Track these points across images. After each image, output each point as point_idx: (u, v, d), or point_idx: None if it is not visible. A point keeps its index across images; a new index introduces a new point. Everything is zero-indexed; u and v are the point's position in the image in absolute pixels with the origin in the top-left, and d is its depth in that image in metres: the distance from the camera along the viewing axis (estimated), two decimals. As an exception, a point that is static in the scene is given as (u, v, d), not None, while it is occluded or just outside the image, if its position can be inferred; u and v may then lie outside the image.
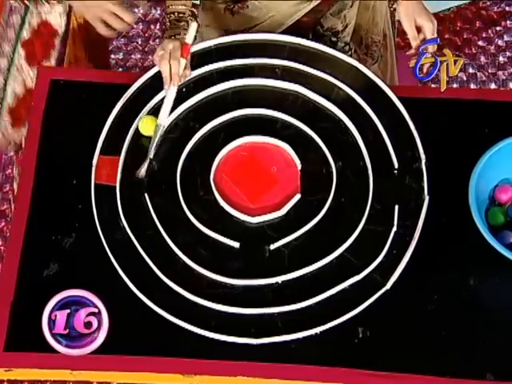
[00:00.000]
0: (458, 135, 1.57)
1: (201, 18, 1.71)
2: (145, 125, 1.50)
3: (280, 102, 1.55)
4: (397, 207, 1.44)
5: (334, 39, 1.71)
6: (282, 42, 1.59)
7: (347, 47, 1.74)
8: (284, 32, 1.64)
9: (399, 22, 1.57)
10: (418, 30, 1.53)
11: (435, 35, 1.51)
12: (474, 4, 2.66)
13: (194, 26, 1.50)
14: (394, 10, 1.57)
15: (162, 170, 1.49)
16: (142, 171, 1.47)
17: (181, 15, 1.52)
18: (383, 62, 1.82)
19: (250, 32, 1.64)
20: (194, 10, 1.54)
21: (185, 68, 1.49)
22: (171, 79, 1.48)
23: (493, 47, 2.61)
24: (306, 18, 1.64)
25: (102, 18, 1.54)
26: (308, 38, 1.61)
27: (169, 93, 1.50)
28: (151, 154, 1.48)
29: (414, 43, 1.53)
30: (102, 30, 1.57)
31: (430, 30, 1.51)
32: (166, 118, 1.50)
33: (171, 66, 1.47)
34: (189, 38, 1.50)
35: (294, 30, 1.64)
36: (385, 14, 1.75)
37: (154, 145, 1.48)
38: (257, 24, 1.64)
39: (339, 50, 1.60)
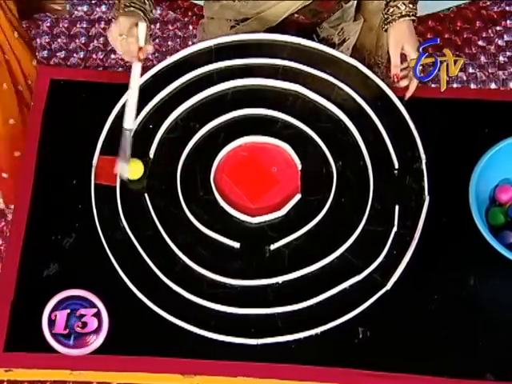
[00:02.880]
0: (458, 135, 1.57)
1: (206, 10, 1.72)
2: (131, 168, 1.45)
3: (280, 102, 1.54)
4: (397, 207, 1.44)
5: None
6: (281, 41, 1.59)
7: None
8: (282, 30, 1.62)
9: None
10: (404, 56, 1.51)
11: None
12: (474, 4, 2.66)
13: (142, 26, 1.40)
14: (386, 31, 1.54)
15: (162, 170, 1.48)
16: (122, 174, 1.44)
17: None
18: None
19: (252, 19, 1.62)
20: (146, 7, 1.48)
21: (145, 42, 1.41)
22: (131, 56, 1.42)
23: (493, 47, 2.61)
24: (303, 16, 1.63)
25: None
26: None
27: (131, 93, 1.43)
28: (122, 160, 1.43)
29: (393, 71, 1.50)
30: None
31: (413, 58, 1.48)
32: (132, 121, 1.43)
33: (129, 45, 1.40)
34: (141, 38, 1.40)
35: (292, 30, 1.63)
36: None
37: (124, 152, 1.42)
38: (258, 12, 1.62)
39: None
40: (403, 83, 1.51)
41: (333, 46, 1.67)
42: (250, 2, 1.61)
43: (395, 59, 1.50)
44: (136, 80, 1.43)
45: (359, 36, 1.72)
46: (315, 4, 1.60)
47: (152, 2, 1.50)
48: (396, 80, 1.50)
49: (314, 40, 1.64)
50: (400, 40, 1.50)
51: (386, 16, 1.53)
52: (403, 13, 1.51)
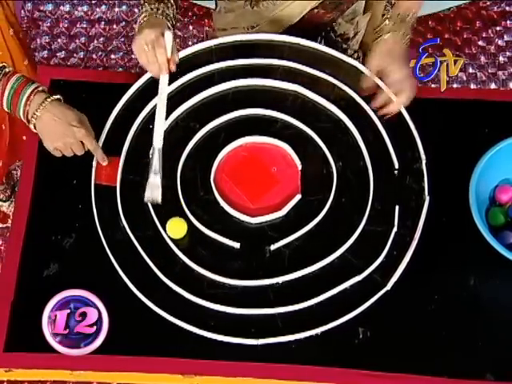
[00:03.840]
0: (458, 135, 1.57)
1: (216, 21, 1.71)
2: (173, 227, 1.42)
3: (280, 102, 1.54)
4: (397, 207, 1.44)
5: (344, 46, 1.69)
6: (281, 41, 1.59)
7: (356, 55, 1.72)
8: (300, 28, 1.59)
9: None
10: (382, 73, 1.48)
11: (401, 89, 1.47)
12: (474, 4, 2.66)
13: (169, 36, 1.36)
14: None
15: (162, 170, 1.48)
16: (149, 195, 1.41)
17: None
18: None
19: (266, 23, 1.61)
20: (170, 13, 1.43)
21: (172, 52, 1.38)
22: (160, 68, 1.37)
23: (493, 47, 2.61)
24: (324, 10, 1.60)
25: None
26: (320, 42, 1.59)
27: (159, 110, 1.40)
28: (151, 177, 1.41)
29: (365, 84, 1.49)
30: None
31: (395, 82, 1.46)
32: (161, 139, 1.41)
33: (157, 55, 1.35)
34: (168, 48, 1.36)
35: (310, 28, 1.60)
36: None
37: (154, 169, 1.41)
38: (274, 14, 1.60)
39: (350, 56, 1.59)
40: (377, 103, 1.49)
41: (347, 40, 1.66)
42: (265, 3, 1.58)
43: (371, 73, 1.49)
44: (165, 93, 1.40)
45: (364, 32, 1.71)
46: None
47: (176, 5, 1.45)
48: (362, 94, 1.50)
49: (321, 42, 1.62)
50: (381, 58, 1.48)
51: (374, 32, 1.51)
52: (388, 29, 1.48)
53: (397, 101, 1.48)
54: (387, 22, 1.49)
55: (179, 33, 2.65)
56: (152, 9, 1.41)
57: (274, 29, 1.61)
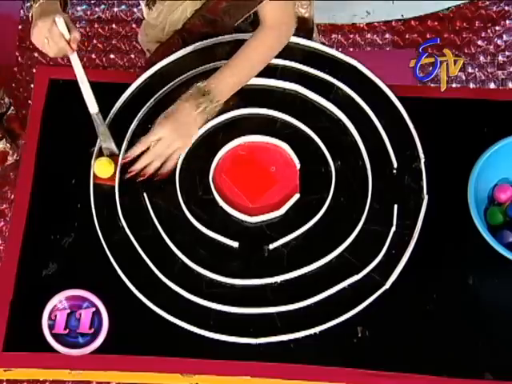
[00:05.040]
0: (458, 135, 1.57)
1: (144, 13, 1.71)
2: (101, 167, 1.47)
3: (279, 102, 1.54)
4: (396, 207, 1.44)
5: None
6: (281, 41, 1.59)
7: None
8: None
9: None
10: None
11: None
12: (474, 4, 2.66)
13: (60, 21, 1.36)
14: None
15: (161, 170, 1.48)
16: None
17: None
18: None
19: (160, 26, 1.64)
20: None
21: (70, 33, 1.38)
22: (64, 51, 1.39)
23: (492, 47, 2.61)
24: (199, 22, 1.60)
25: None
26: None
27: (82, 81, 1.44)
28: (102, 143, 1.48)
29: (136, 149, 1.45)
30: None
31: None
32: (95, 104, 1.46)
33: (57, 43, 1.37)
34: (64, 33, 1.37)
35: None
36: None
37: (103, 134, 1.47)
38: (162, 20, 1.64)
39: None
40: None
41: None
42: (154, 9, 1.61)
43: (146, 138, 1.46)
44: (80, 69, 1.44)
45: None
46: (204, 10, 1.58)
47: None
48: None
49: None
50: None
51: None
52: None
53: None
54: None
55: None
56: None
57: (161, 34, 1.66)
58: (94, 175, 1.47)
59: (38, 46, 1.39)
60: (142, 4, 1.65)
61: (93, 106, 1.46)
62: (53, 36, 1.36)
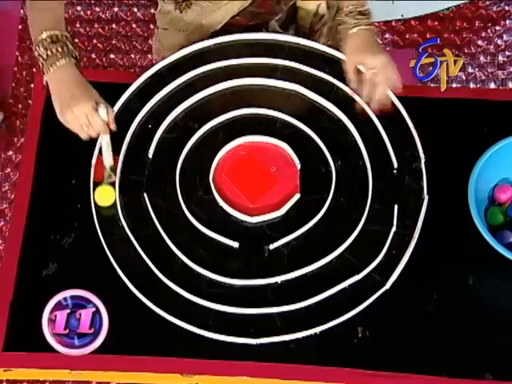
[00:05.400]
0: (458, 135, 1.57)
1: (160, 21, 1.71)
2: (101, 194, 1.45)
3: (279, 102, 1.54)
4: (396, 207, 1.44)
5: None
6: (281, 41, 1.59)
7: None
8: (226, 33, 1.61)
9: None
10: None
11: (388, 74, 1.43)
12: (474, 3, 2.66)
13: (103, 111, 1.37)
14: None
15: (161, 170, 1.48)
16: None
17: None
18: None
19: (195, 28, 1.62)
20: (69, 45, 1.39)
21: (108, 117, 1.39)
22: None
23: (492, 47, 2.61)
24: (243, 18, 1.60)
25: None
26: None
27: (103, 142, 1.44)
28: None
29: (351, 85, 1.49)
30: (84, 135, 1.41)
31: (373, 71, 1.43)
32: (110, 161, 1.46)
33: (96, 128, 1.38)
34: (110, 119, 1.39)
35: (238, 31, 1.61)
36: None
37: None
38: (198, 21, 1.61)
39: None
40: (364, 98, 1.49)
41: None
42: (189, 11, 1.59)
43: (351, 75, 1.48)
44: (109, 147, 1.45)
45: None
46: (253, 6, 1.58)
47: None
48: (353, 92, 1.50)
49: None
50: (353, 54, 1.47)
51: (339, 35, 1.50)
52: (352, 25, 1.47)
53: (380, 90, 1.45)
54: (347, 18, 1.48)
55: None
56: (55, 51, 1.37)
57: (198, 35, 1.62)
58: (95, 175, 1.47)
59: (71, 129, 1.38)
60: (170, 7, 1.62)
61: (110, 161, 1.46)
62: (94, 124, 1.36)
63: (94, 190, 1.45)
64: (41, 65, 1.38)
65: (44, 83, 1.39)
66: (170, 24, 1.66)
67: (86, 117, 1.36)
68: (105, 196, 1.45)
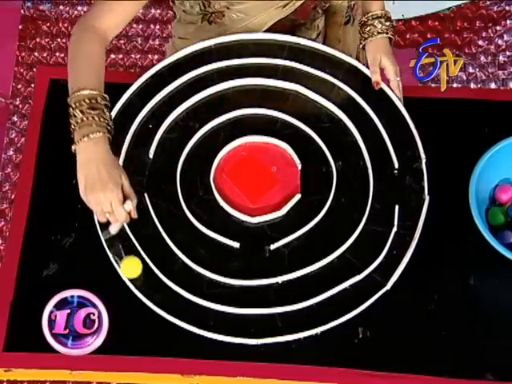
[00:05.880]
0: (458, 135, 1.57)
1: (178, 30, 1.70)
2: (127, 267, 1.39)
3: (280, 102, 1.54)
4: (397, 207, 1.43)
5: None
6: (282, 41, 1.59)
7: None
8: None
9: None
10: (381, 70, 1.55)
11: (397, 77, 1.53)
12: (474, 3, 2.66)
13: (128, 205, 1.33)
14: (363, 47, 1.57)
15: (161, 170, 1.48)
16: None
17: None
18: None
19: None
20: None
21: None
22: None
23: (493, 47, 2.61)
24: (281, 26, 1.61)
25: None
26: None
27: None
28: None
29: (373, 77, 1.54)
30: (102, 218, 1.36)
31: (392, 71, 1.53)
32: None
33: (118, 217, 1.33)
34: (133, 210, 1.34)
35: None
36: (353, 49, 1.75)
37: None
38: (240, 27, 1.60)
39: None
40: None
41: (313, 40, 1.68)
42: (226, 18, 1.58)
43: (374, 67, 1.54)
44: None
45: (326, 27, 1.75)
46: (292, 15, 1.60)
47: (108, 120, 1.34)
48: (377, 87, 1.54)
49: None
50: (377, 54, 1.54)
51: (363, 34, 1.57)
52: (379, 30, 1.55)
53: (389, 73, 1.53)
54: (376, 23, 1.55)
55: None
56: (89, 118, 1.31)
57: None
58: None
59: (91, 208, 1.33)
60: (194, 18, 1.61)
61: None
62: (117, 214, 1.32)
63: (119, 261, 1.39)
64: (71, 128, 1.32)
65: (73, 151, 1.32)
66: (194, 34, 1.65)
67: (111, 205, 1.31)
68: (131, 268, 1.39)
